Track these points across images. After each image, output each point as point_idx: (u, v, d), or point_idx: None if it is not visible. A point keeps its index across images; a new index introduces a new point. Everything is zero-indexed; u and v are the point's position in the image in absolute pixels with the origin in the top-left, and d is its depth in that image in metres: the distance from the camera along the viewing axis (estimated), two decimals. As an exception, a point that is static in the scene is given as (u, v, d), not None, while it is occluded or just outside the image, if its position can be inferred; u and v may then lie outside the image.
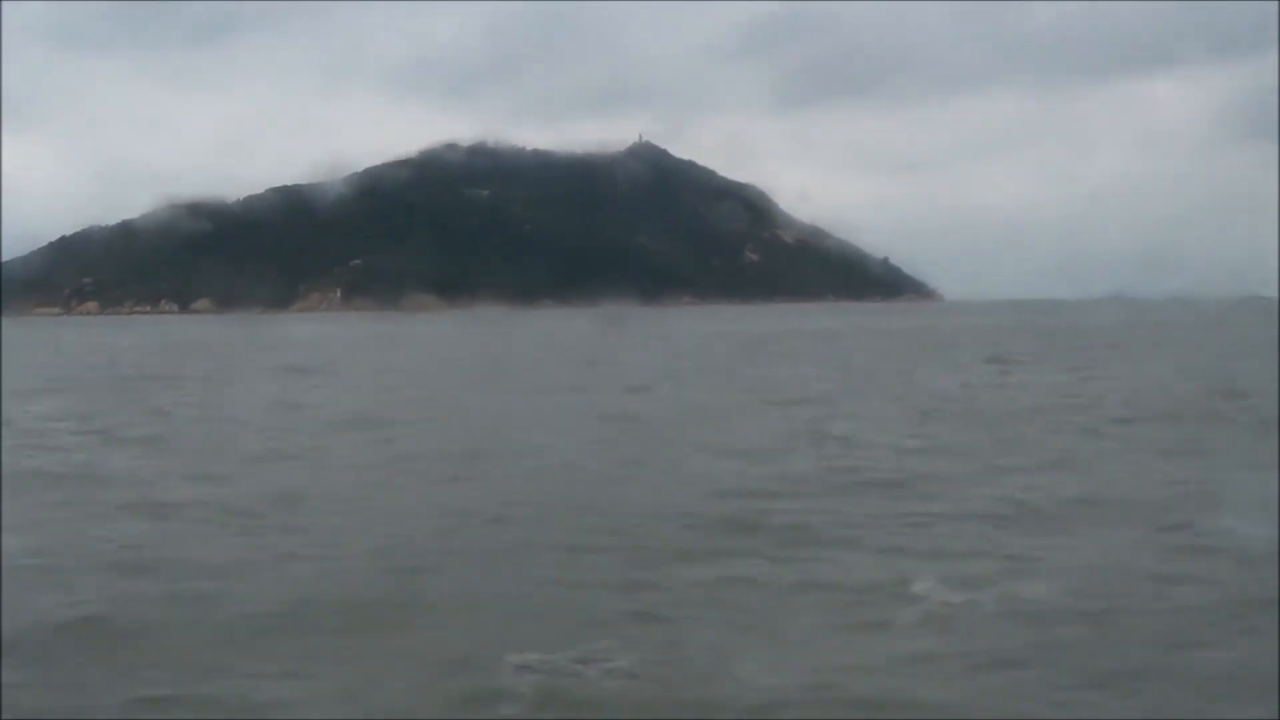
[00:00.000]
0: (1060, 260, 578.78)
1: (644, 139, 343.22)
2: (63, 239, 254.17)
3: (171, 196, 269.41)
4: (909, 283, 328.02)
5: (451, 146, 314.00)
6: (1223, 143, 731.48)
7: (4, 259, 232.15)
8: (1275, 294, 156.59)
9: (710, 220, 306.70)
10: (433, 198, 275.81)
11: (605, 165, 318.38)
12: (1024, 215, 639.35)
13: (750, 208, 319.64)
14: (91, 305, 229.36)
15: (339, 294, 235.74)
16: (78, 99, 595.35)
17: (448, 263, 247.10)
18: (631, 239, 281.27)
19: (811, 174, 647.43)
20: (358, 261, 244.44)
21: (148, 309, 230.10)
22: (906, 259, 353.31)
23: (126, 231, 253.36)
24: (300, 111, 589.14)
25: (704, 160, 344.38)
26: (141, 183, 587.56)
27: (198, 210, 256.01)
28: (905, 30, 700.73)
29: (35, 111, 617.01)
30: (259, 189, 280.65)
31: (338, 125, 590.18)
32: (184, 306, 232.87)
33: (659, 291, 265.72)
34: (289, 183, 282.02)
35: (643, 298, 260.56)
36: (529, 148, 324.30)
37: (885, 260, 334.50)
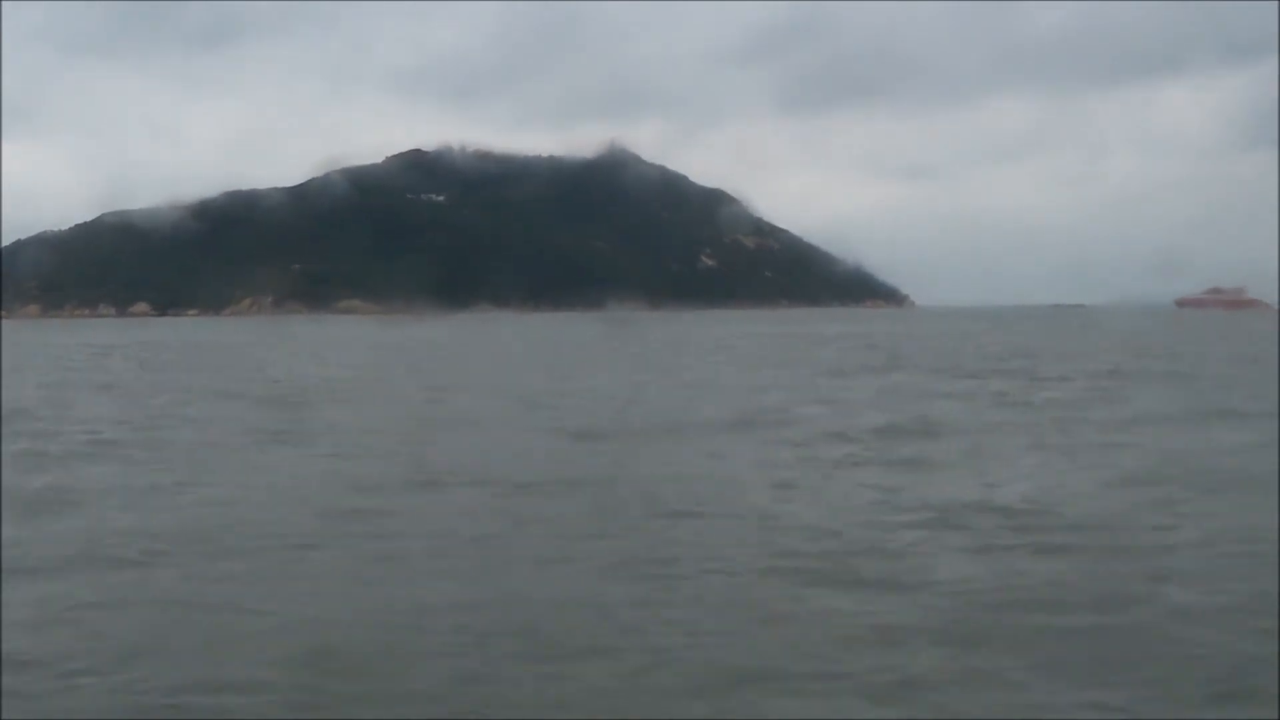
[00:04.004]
0: (1065, 266, 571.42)
1: (616, 144, 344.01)
2: (17, 243, 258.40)
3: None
4: (879, 289, 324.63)
5: (416, 152, 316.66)
6: (1234, 148, 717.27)
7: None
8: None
9: (671, 226, 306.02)
10: (386, 204, 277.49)
11: (571, 171, 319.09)
12: (1030, 221, 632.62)
13: (716, 213, 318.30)
14: (33, 309, 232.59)
15: (270, 299, 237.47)
16: (86, 103, 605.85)
17: (388, 268, 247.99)
18: (586, 244, 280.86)
19: (815, 180, 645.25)
20: (296, 266, 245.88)
21: (86, 313, 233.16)
22: (887, 266, 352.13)
23: (71, 236, 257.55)
24: (306, 116, 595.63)
25: (693, 167, 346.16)
26: (149, 186, 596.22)
27: (142, 216, 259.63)
28: (913, 35, 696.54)
29: (43, 115, 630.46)
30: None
31: (343, 129, 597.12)
32: (121, 310, 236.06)
33: (606, 297, 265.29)
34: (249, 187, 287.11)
35: (589, 303, 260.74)
36: (495, 152, 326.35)
37: (857, 266, 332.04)
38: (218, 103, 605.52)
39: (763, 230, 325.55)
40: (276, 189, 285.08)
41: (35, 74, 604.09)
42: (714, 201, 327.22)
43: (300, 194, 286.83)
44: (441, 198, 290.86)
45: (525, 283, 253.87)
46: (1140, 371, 36.09)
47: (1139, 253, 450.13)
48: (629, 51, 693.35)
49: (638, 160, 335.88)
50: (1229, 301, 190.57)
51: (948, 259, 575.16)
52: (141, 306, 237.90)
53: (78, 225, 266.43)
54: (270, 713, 6.85)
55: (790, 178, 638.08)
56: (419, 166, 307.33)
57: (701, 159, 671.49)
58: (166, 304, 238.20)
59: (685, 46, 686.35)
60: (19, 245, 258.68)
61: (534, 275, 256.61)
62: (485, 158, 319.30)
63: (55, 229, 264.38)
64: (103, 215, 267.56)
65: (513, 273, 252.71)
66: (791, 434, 19.67)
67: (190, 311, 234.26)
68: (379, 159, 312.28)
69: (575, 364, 44.32)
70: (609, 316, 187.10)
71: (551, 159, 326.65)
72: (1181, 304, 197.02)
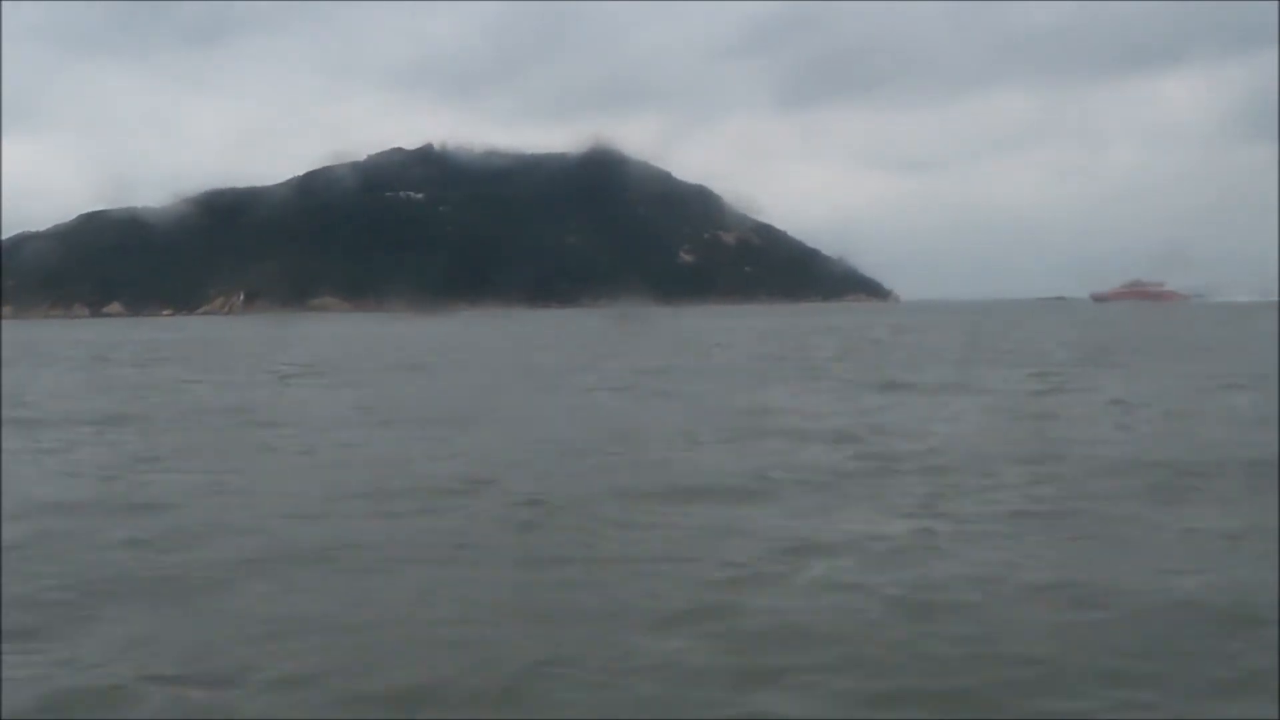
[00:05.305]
0: (1065, 260, 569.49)
1: (601, 141, 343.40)
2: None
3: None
4: (864, 283, 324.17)
5: (398, 150, 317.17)
6: (1238, 140, 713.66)
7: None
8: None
9: (652, 222, 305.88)
10: (363, 201, 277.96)
11: (555, 168, 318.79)
12: (1029, 214, 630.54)
13: (698, 210, 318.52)
14: (7, 309, 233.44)
15: (241, 297, 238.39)
16: (84, 101, 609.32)
17: (361, 265, 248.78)
18: (561, 240, 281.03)
19: (811, 174, 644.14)
20: (269, 263, 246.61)
21: (61, 313, 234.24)
22: (882, 260, 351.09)
23: (49, 235, 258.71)
24: (301, 113, 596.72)
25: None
26: (146, 183, 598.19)
27: (123, 215, 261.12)
28: (911, 28, 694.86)
29: (42, 113, 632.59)
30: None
31: (339, 126, 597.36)
32: (95, 310, 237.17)
33: (578, 293, 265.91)
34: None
35: (560, 299, 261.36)
36: (479, 150, 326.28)
37: (842, 261, 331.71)
38: (214, 100, 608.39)
39: (745, 226, 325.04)
40: (255, 188, 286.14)
41: (34, 72, 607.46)
42: (697, 198, 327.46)
43: (279, 193, 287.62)
44: (420, 195, 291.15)
45: (504, 281, 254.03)
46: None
47: (1140, 246, 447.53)
48: (626, 47, 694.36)
49: (621, 157, 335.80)
50: (1146, 294, 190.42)
51: (946, 253, 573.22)
52: (115, 306, 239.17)
53: (56, 225, 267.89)
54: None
55: (787, 172, 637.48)
56: (400, 164, 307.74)
57: (698, 154, 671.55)
58: (140, 304, 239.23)
59: (683, 42, 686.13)
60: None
61: (513, 273, 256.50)
62: (468, 155, 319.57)
63: (35, 229, 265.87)
64: (80, 215, 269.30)
65: (492, 270, 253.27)
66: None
67: (164, 311, 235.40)
68: (361, 157, 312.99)
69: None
70: (583, 313, 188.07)
71: (536, 156, 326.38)
72: (1098, 298, 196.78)
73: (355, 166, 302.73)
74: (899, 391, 24.52)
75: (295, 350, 55.32)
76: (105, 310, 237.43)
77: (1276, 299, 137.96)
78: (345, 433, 18.69)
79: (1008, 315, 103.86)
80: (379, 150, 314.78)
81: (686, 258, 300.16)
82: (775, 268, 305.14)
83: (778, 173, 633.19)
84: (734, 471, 13.17)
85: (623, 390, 25.97)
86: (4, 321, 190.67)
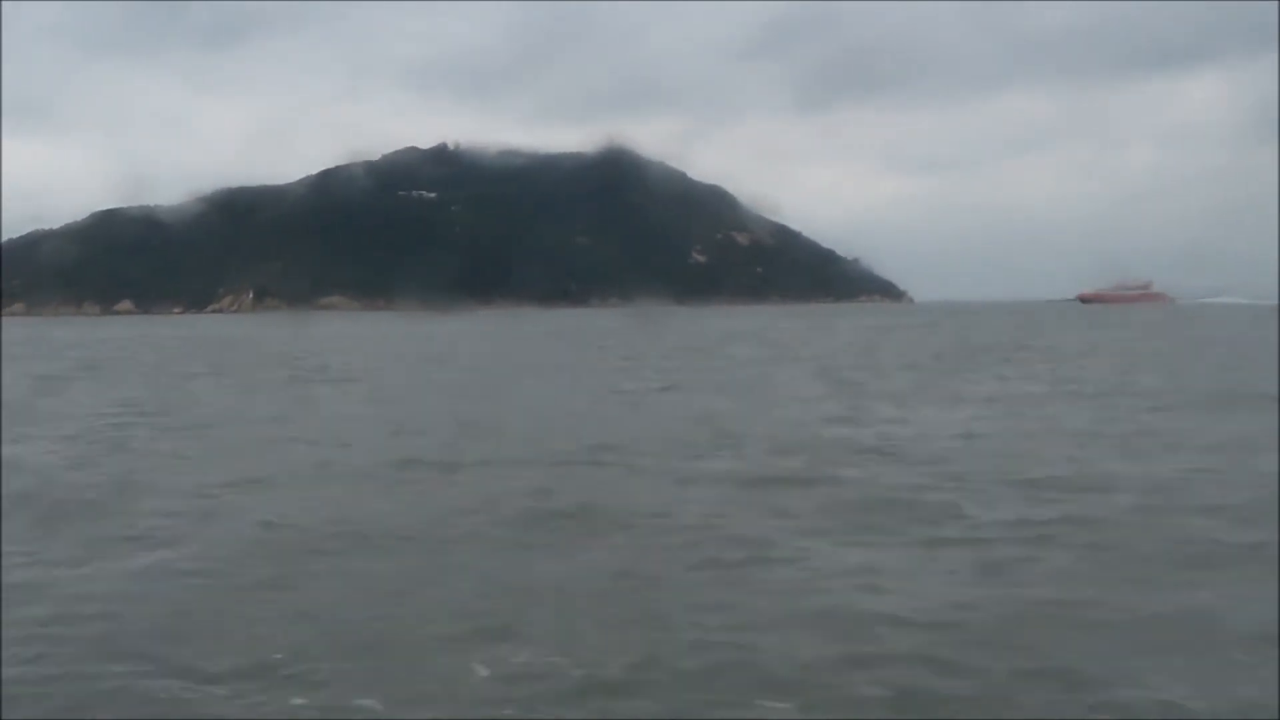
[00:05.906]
0: (1085, 261, 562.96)
1: (614, 141, 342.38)
2: (9, 242, 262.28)
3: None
4: (877, 284, 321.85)
5: (412, 149, 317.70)
6: (1259, 141, 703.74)
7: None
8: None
9: (664, 222, 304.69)
10: (376, 201, 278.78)
11: (568, 169, 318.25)
12: (1048, 215, 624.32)
13: (711, 210, 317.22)
14: (19, 306, 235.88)
15: (250, 296, 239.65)
16: (102, 100, 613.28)
17: (373, 264, 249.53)
18: (570, 240, 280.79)
19: (828, 174, 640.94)
20: (280, 262, 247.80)
21: (72, 310, 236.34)
22: (899, 260, 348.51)
23: (61, 234, 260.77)
24: (317, 112, 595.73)
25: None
26: (163, 183, 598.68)
27: (133, 214, 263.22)
28: (928, 29, 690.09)
29: (59, 113, 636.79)
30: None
31: (355, 126, 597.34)
32: (106, 308, 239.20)
33: (588, 293, 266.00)
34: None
35: (572, 299, 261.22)
36: (493, 150, 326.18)
37: (856, 261, 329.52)
38: (230, 100, 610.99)
39: (760, 226, 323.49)
40: (269, 186, 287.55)
41: (50, 71, 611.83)
42: (712, 199, 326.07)
43: (293, 192, 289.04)
44: (433, 195, 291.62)
45: (515, 280, 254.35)
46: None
47: (1158, 247, 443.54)
48: (642, 47, 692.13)
49: (637, 157, 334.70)
50: (1132, 296, 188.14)
51: (962, 254, 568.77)
52: (126, 304, 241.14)
53: (70, 223, 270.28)
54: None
55: (804, 173, 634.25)
56: (415, 163, 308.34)
57: (715, 155, 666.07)
58: (151, 301, 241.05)
59: (699, 42, 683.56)
60: (9, 244, 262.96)
61: (524, 273, 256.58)
62: (482, 154, 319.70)
63: (50, 227, 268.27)
64: (94, 213, 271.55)
65: (504, 270, 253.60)
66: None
67: (175, 309, 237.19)
68: (376, 156, 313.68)
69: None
70: (593, 313, 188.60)
71: (550, 156, 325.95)
72: (1085, 299, 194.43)
73: (370, 166, 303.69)
74: (673, 392, 23.88)
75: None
76: (116, 308, 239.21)
77: (1276, 303, 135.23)
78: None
79: (979, 318, 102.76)
80: (394, 150, 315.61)
81: (699, 258, 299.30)
82: (789, 268, 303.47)
83: (795, 174, 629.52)
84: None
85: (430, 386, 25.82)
86: (6, 318, 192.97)
